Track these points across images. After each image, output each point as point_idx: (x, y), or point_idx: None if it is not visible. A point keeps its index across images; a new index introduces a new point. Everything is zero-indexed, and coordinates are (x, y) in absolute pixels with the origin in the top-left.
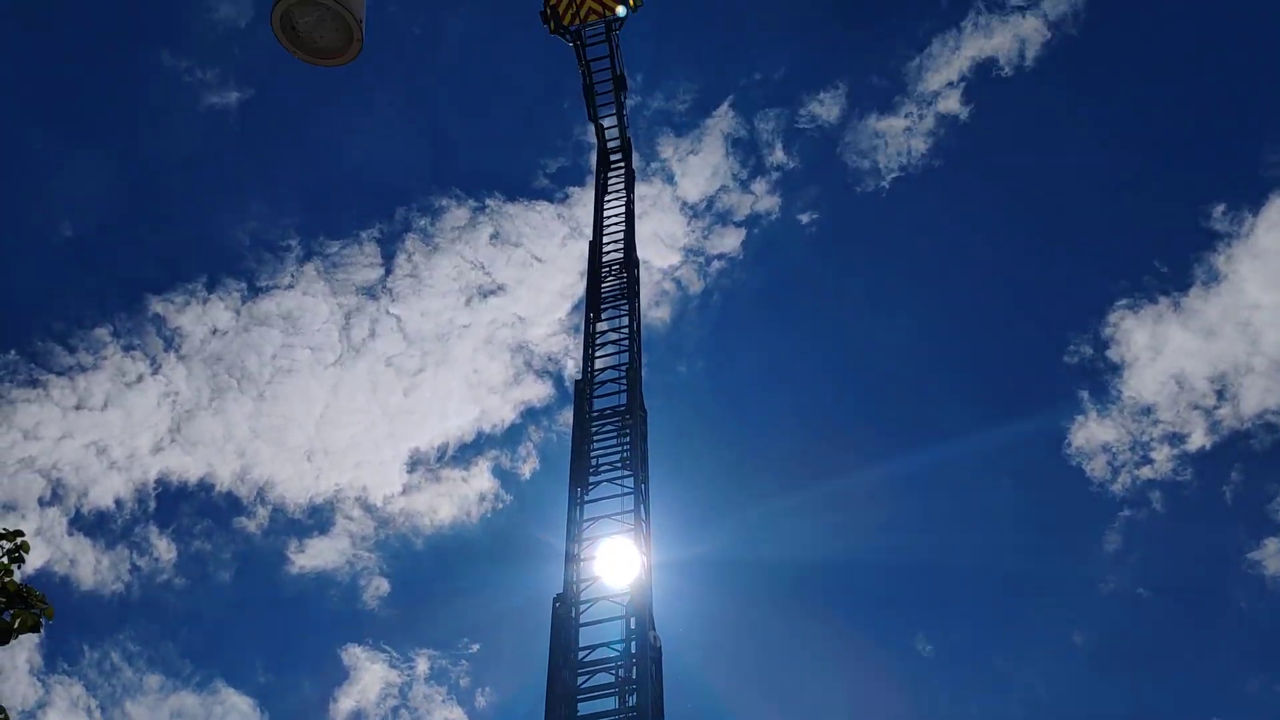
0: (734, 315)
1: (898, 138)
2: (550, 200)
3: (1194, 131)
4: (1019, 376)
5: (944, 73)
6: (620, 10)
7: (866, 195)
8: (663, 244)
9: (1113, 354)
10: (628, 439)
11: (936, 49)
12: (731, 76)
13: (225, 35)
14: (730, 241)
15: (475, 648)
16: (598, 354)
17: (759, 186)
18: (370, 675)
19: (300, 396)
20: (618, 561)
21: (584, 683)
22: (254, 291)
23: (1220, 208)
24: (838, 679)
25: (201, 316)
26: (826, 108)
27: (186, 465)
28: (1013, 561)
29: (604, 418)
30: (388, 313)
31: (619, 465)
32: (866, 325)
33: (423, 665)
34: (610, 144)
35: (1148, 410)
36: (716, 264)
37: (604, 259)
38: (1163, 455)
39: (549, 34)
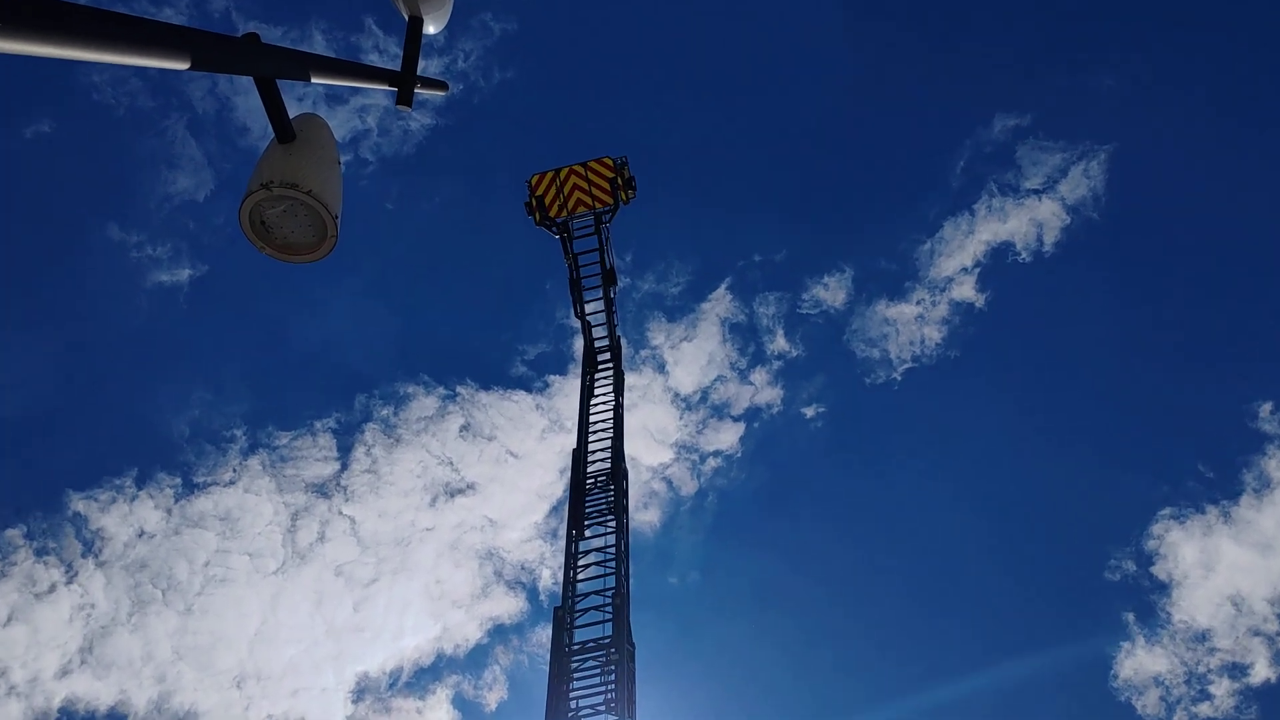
0: (731, 519)
1: (909, 325)
2: (528, 390)
3: (1234, 322)
4: (1055, 596)
5: (957, 257)
6: (610, 202)
7: (877, 387)
8: (653, 439)
9: (1159, 570)
10: (613, 677)
11: (949, 232)
12: (729, 257)
13: (180, 208)
14: (727, 437)
15: None
16: (580, 575)
17: (759, 376)
18: None
19: (234, 610)
20: None
21: None
22: (190, 488)
23: (1267, 406)
24: None
25: (128, 516)
26: (832, 292)
27: (97, 691)
28: None
29: (586, 651)
30: (340, 513)
31: (603, 709)
32: (880, 534)
33: None
34: (598, 342)
35: (1202, 636)
36: (712, 461)
37: (588, 469)
38: (1223, 689)
39: (534, 225)
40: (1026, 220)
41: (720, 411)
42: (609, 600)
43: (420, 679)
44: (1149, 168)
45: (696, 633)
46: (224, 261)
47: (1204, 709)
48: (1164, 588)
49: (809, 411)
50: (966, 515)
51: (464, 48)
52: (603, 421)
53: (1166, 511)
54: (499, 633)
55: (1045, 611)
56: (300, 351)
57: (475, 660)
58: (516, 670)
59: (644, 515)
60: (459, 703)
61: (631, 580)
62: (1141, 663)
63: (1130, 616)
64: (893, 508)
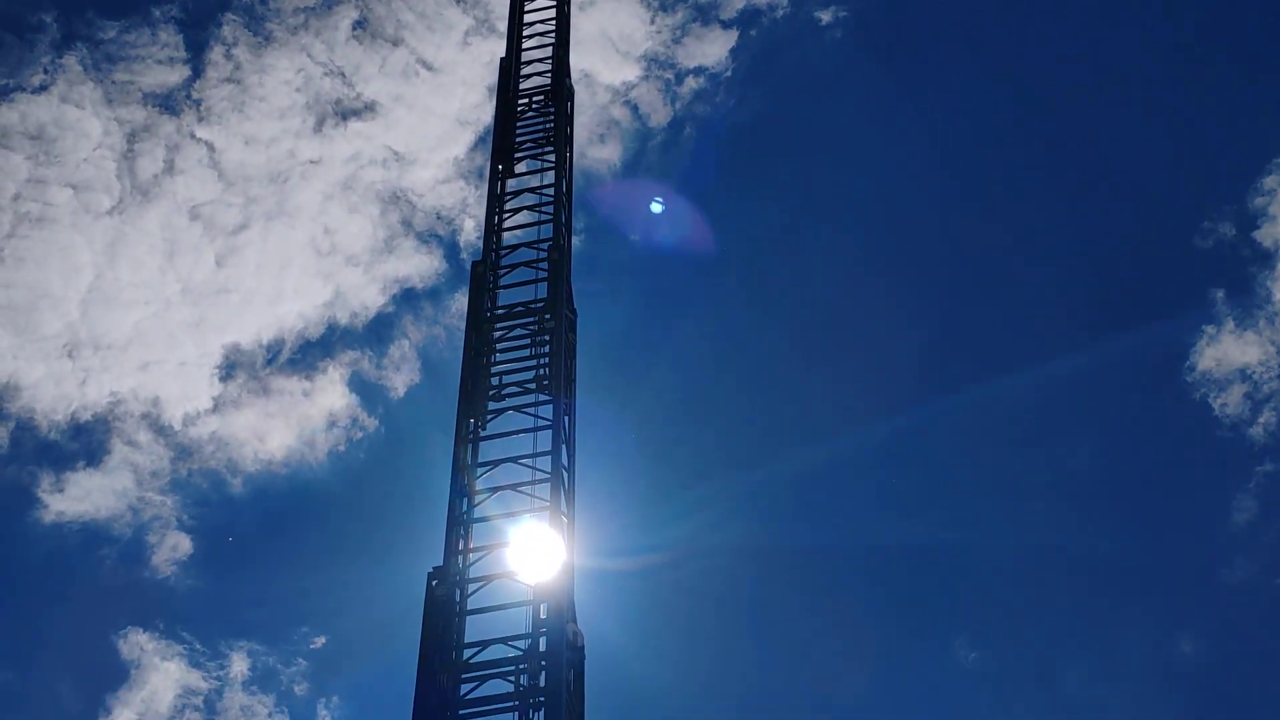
0: (714, 159)
1: None
2: None
3: None
4: (1124, 266)
5: None
6: None
7: None
8: (613, 49)
9: (1264, 236)
10: (546, 350)
11: None
12: None
13: None
14: (714, 50)
15: (318, 641)
16: (507, 223)
17: None
18: (161, 676)
19: (57, 260)
20: (525, 525)
21: (470, 692)
22: None
23: None
24: (846, 699)
25: None
26: None
27: None
28: (1097, 538)
29: (513, 317)
30: (194, 137)
31: (532, 387)
32: (914, 181)
33: (240, 664)
34: None
35: None
36: (691, 82)
37: (521, 86)
38: None
39: None
40: None
41: (706, 14)
42: (544, 255)
43: (306, 354)
44: None
45: (662, 305)
46: None
47: None
48: (1268, 258)
49: (824, 17)
50: (1024, 154)
51: None
52: (542, 22)
53: None
54: (408, 299)
55: (1110, 285)
56: None
57: (378, 333)
58: (431, 347)
59: (598, 151)
60: (357, 385)
61: (578, 242)
62: (1226, 352)
63: (1219, 294)
64: (932, 146)
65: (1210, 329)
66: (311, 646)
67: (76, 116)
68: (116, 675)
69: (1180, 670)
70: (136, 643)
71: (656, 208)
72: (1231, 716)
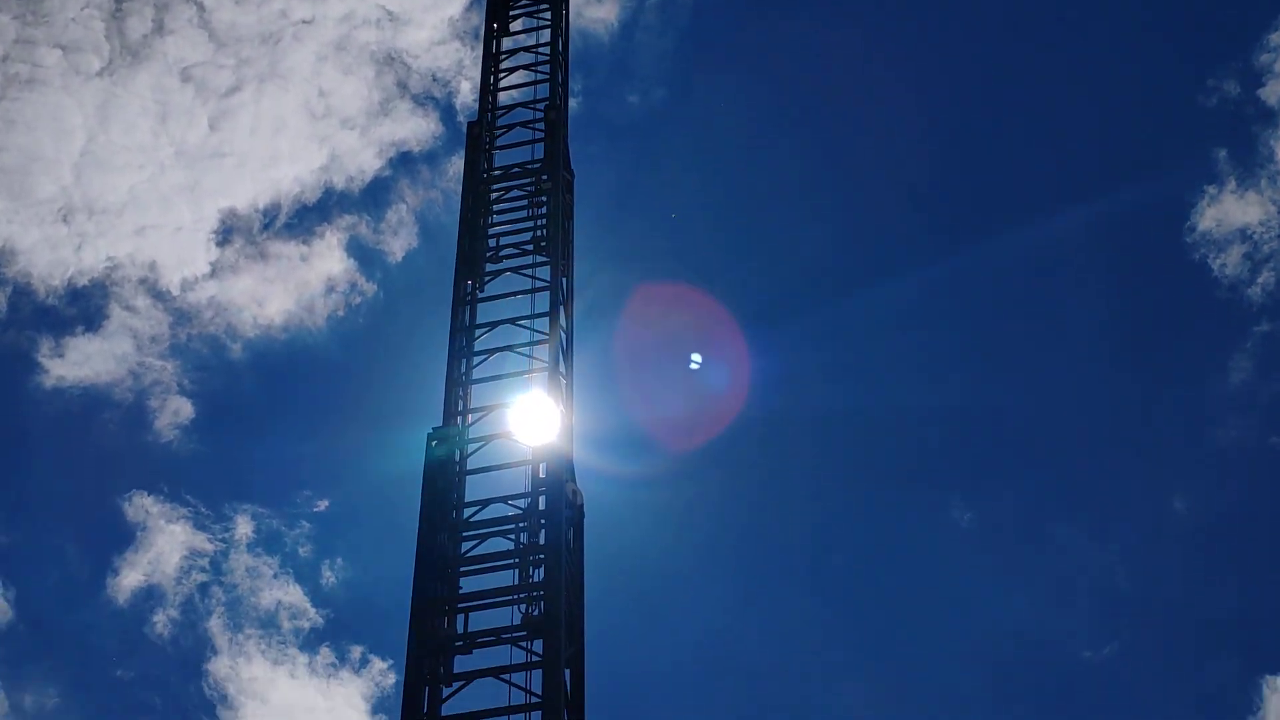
0: (717, 15)
1: None
2: None
3: None
4: (1127, 124)
5: None
6: None
7: None
8: None
9: (1268, 94)
10: (543, 211)
11: None
12: None
13: None
14: None
15: (321, 504)
16: (503, 83)
17: None
18: (167, 538)
19: (49, 123)
20: (524, 386)
21: (470, 550)
22: None
23: None
24: (842, 559)
25: None
26: None
27: None
28: (1092, 398)
29: (510, 178)
30: None
31: (530, 249)
32: (913, 39)
33: (244, 527)
34: None
35: None
36: None
37: None
38: None
39: None
40: None
41: None
42: (540, 115)
43: (303, 218)
44: None
45: (661, 166)
46: None
47: None
48: (1272, 116)
49: None
50: (1027, 11)
51: None
52: None
53: None
54: (404, 163)
55: (1114, 141)
56: None
57: (374, 197)
58: (428, 211)
59: (595, 10)
60: (355, 249)
61: (576, 104)
62: (1227, 212)
63: (1222, 153)
64: (939, 4)
65: (1212, 189)
66: (314, 509)
67: None
68: (122, 538)
69: (1173, 529)
70: (141, 506)
71: (695, 365)
72: (1223, 575)
